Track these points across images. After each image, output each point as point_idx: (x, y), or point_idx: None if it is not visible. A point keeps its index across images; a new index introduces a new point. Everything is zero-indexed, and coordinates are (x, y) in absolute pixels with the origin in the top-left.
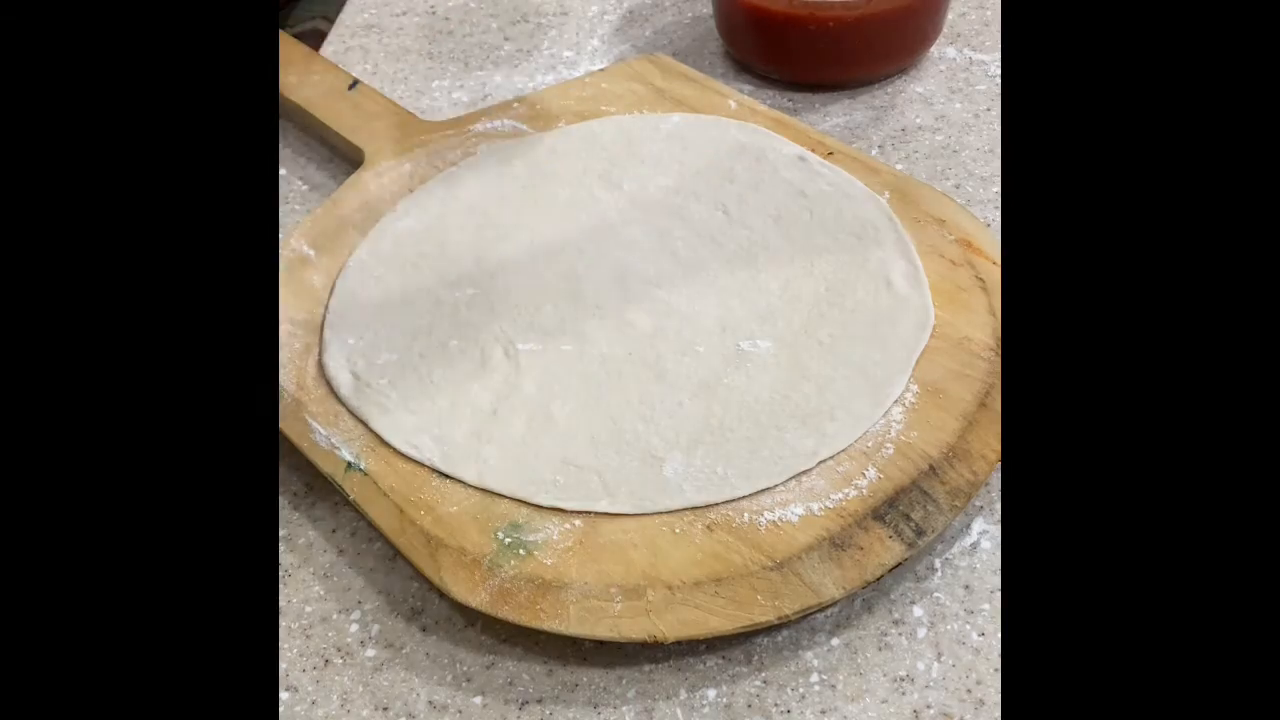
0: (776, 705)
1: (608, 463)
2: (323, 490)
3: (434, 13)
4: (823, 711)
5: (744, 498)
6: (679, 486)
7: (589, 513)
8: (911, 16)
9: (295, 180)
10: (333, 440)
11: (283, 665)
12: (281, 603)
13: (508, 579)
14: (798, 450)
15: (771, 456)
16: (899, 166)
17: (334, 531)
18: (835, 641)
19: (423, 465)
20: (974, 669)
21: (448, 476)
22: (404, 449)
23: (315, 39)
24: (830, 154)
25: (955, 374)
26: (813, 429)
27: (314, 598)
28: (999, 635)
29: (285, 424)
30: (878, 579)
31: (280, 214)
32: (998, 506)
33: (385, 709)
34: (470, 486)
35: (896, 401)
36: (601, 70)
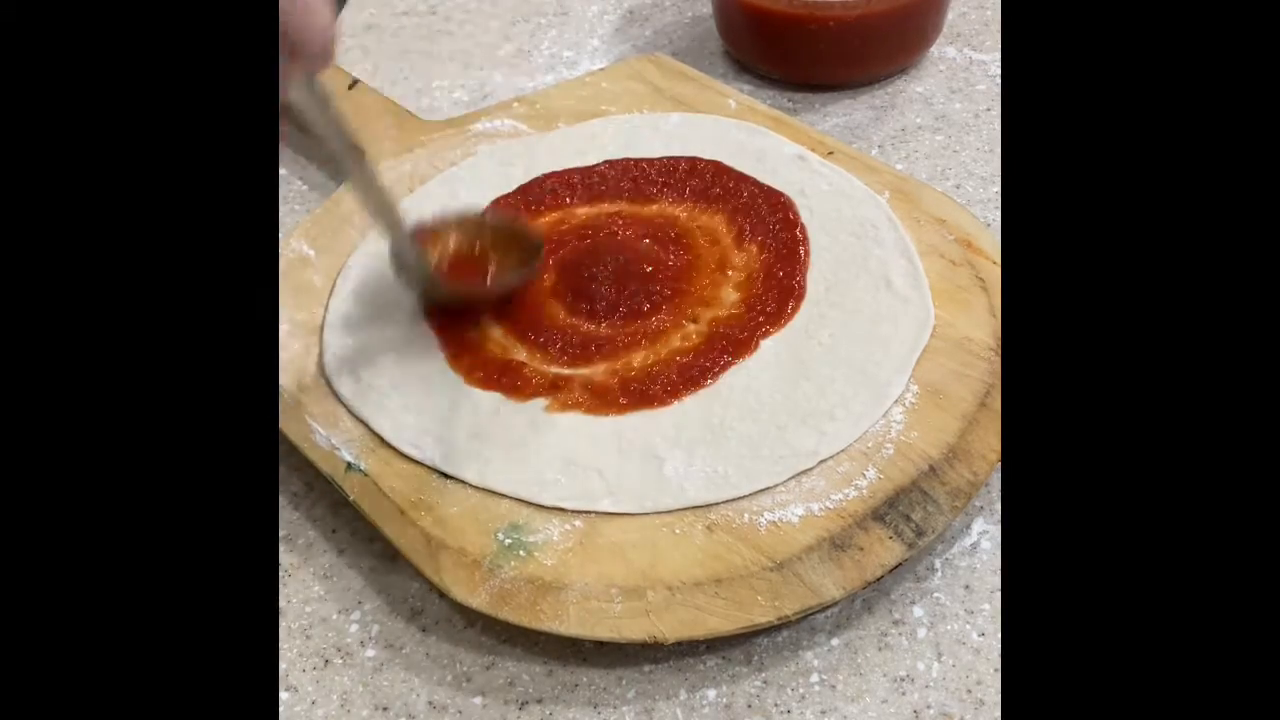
0: (776, 705)
1: (609, 462)
2: (323, 490)
3: (434, 13)
4: (823, 711)
5: (744, 497)
6: (680, 486)
7: (590, 513)
8: (911, 16)
9: (295, 180)
10: (333, 441)
11: (283, 665)
12: (281, 603)
13: (508, 580)
14: (798, 449)
15: (772, 456)
16: (899, 166)
17: (334, 531)
18: (835, 641)
19: (423, 466)
20: (974, 669)
21: (449, 477)
22: (406, 449)
23: None
24: (830, 154)
25: (955, 374)
26: (813, 428)
27: (314, 598)
28: (999, 635)
29: (285, 424)
30: (878, 579)
31: (280, 214)
32: (998, 506)
33: (385, 709)
34: (471, 487)
35: (896, 401)
36: (601, 70)
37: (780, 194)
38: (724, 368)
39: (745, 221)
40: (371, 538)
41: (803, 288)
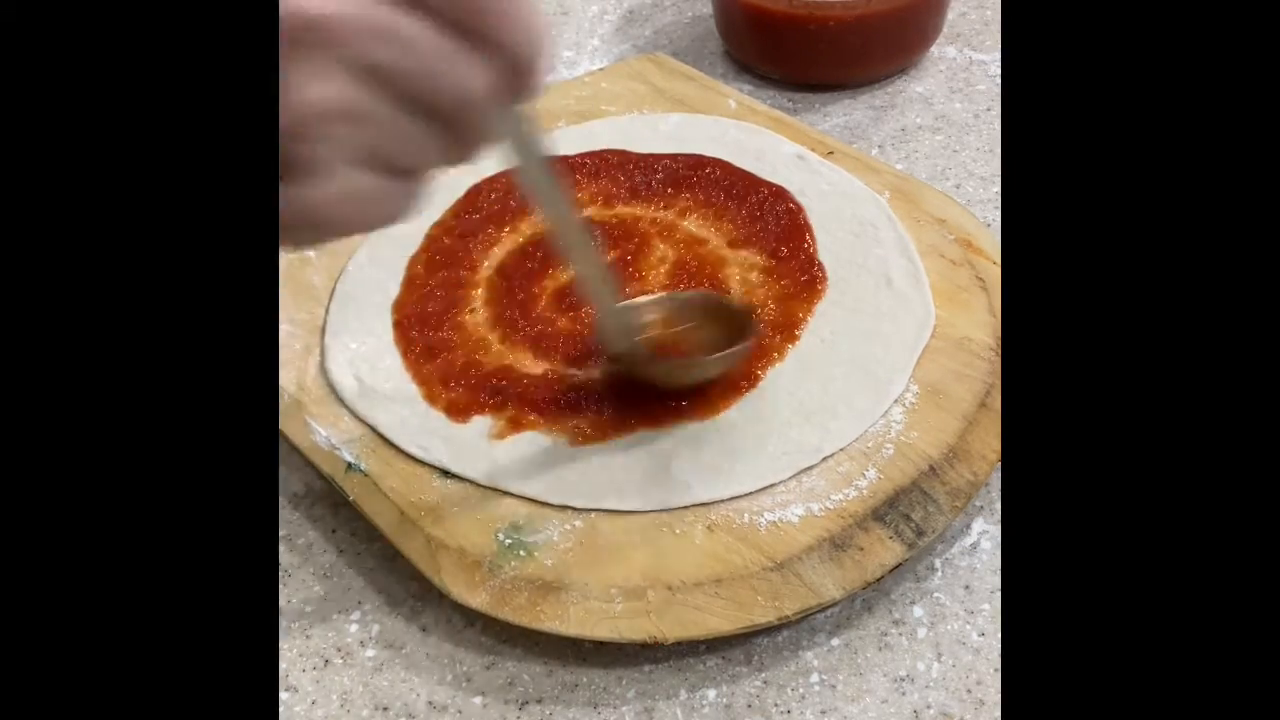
0: (776, 705)
1: (615, 460)
2: (323, 490)
3: None
4: (823, 711)
5: (745, 496)
6: (686, 483)
7: (592, 512)
8: (911, 16)
9: None
10: (333, 441)
11: (283, 665)
12: (281, 603)
13: (508, 580)
14: (802, 446)
15: (776, 452)
16: (899, 166)
17: (334, 531)
18: (835, 641)
19: (424, 465)
20: (974, 669)
21: (450, 476)
22: (413, 451)
23: None
24: (830, 154)
25: (955, 374)
26: (816, 425)
27: (314, 598)
28: (999, 635)
29: (285, 424)
30: (878, 579)
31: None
32: (998, 506)
33: (385, 709)
34: (472, 486)
35: (897, 401)
36: (601, 70)
37: (779, 187)
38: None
39: (744, 217)
40: (371, 538)
41: (823, 268)
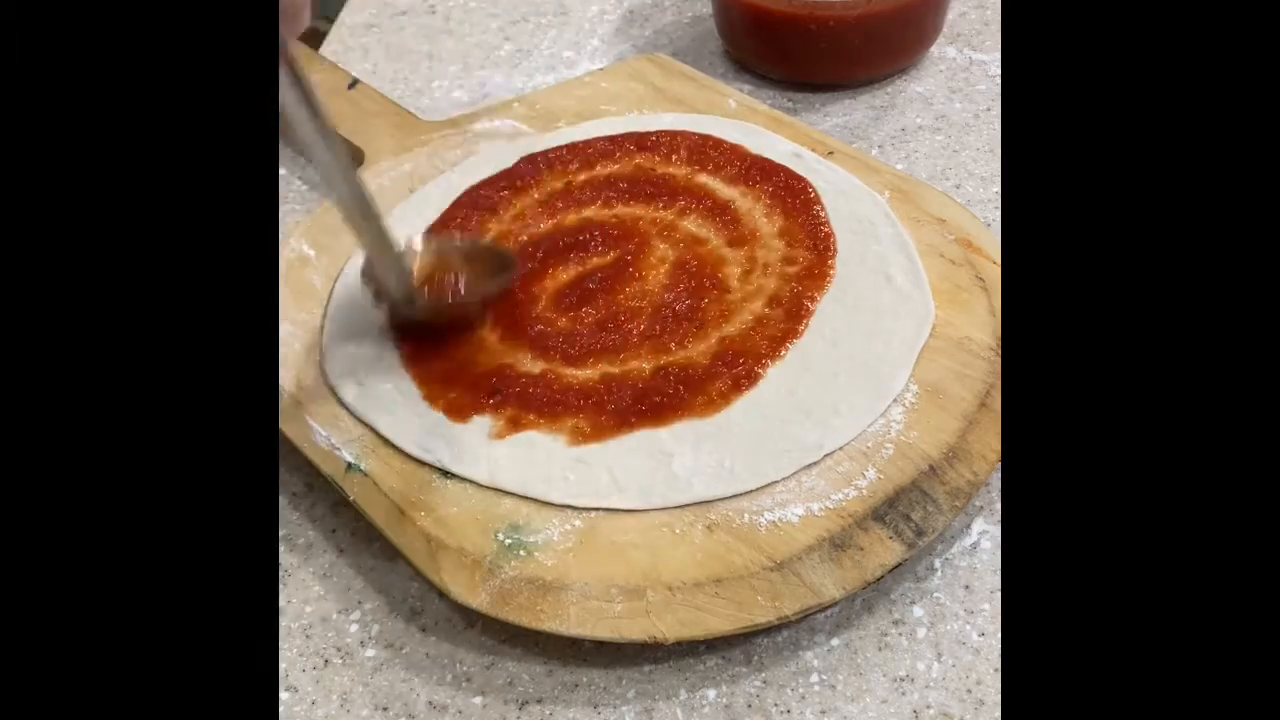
0: (776, 705)
1: (617, 459)
2: (323, 490)
3: (434, 13)
4: (823, 711)
5: (746, 495)
6: (688, 481)
7: (592, 511)
8: (912, 16)
9: (295, 180)
10: (333, 441)
11: (283, 665)
12: (281, 603)
13: (508, 580)
14: (803, 443)
15: (777, 450)
16: (899, 166)
17: (334, 531)
18: (835, 641)
19: (423, 466)
20: (974, 669)
21: (450, 476)
22: (414, 451)
23: (315, 39)
24: (830, 153)
25: (955, 374)
26: (817, 422)
27: (314, 598)
28: (999, 635)
29: (285, 424)
30: (878, 579)
31: (280, 214)
32: (998, 506)
33: (385, 709)
34: (472, 487)
35: (897, 401)
36: (601, 70)
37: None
38: (774, 350)
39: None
40: (371, 538)
41: (832, 236)
